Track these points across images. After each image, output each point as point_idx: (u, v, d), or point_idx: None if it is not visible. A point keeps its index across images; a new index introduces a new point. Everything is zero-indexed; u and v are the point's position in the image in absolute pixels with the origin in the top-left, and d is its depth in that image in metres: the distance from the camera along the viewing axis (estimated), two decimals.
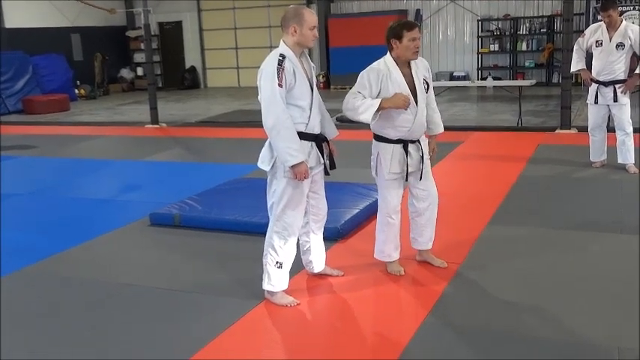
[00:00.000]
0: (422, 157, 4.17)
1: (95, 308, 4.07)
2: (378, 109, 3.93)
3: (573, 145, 8.27)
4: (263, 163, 3.87)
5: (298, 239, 4.05)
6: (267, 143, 3.82)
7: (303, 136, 3.78)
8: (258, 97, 3.75)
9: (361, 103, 3.96)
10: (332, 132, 4.06)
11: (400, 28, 4.01)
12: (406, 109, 4.00)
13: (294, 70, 3.70)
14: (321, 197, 4.10)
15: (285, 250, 3.90)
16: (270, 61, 3.69)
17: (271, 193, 3.88)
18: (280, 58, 3.68)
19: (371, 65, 4.09)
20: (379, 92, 4.00)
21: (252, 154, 3.93)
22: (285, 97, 3.67)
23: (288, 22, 3.74)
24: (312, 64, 3.95)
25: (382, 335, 3.59)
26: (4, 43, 15.83)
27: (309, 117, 3.80)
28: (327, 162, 3.99)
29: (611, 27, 6.68)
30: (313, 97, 3.83)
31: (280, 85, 3.63)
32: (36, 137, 11.43)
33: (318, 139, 3.90)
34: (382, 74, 4.00)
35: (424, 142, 4.25)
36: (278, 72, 3.63)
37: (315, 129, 3.86)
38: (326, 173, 4.03)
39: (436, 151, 4.41)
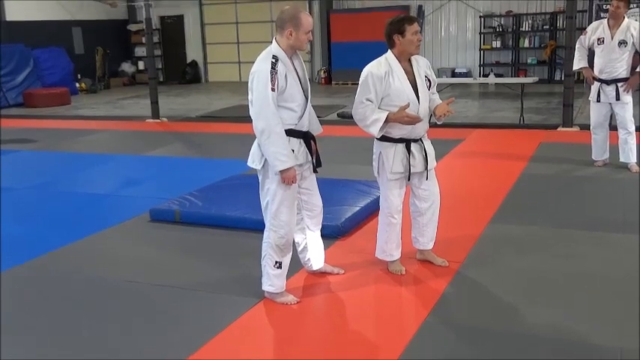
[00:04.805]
0: (425, 157, 4.15)
1: (95, 304, 4.06)
2: (385, 122, 3.94)
3: (575, 143, 8.24)
4: (254, 162, 3.85)
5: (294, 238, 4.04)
6: (256, 142, 3.80)
7: (292, 133, 3.76)
8: (249, 97, 3.73)
9: (369, 115, 3.97)
10: (316, 128, 4.03)
11: (401, 22, 3.99)
12: (414, 124, 3.98)
13: (286, 73, 3.68)
14: (313, 193, 4.08)
15: (282, 249, 3.88)
16: (263, 64, 3.66)
17: (264, 192, 3.86)
18: (273, 60, 3.65)
19: (371, 64, 4.05)
20: (384, 93, 3.99)
21: None
22: (276, 100, 3.65)
23: (285, 24, 3.71)
24: (304, 64, 3.93)
25: (382, 335, 3.57)
26: (4, 36, 15.78)
27: (300, 118, 3.79)
28: (314, 160, 3.96)
29: (614, 21, 6.63)
30: (306, 98, 3.81)
31: (273, 90, 3.62)
32: (36, 131, 11.40)
33: (307, 137, 3.89)
34: (385, 73, 3.97)
35: (427, 142, 4.22)
36: (272, 76, 3.61)
37: (304, 127, 3.85)
38: (313, 170, 4.01)
39: (449, 106, 4.13)
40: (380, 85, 3.97)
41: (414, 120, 3.95)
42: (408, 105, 3.93)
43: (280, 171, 3.68)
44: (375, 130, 4.00)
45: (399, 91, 3.99)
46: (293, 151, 3.74)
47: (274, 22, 3.86)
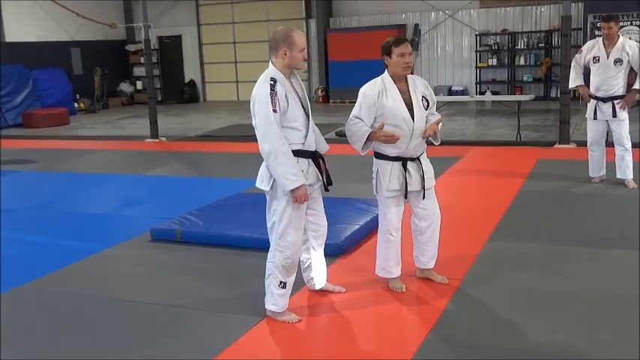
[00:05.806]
0: (422, 176, 4.19)
1: (95, 324, 4.07)
2: (368, 140, 4.03)
3: (572, 160, 8.29)
4: (262, 182, 3.87)
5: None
6: (264, 163, 3.83)
7: (300, 153, 3.79)
8: (253, 122, 3.76)
9: (355, 132, 4.07)
10: (323, 147, 4.08)
11: (389, 44, 4.09)
12: (394, 142, 4.05)
13: (285, 94, 3.72)
14: (320, 214, 4.11)
15: (288, 269, 3.89)
16: (262, 87, 3.71)
17: (271, 213, 3.88)
18: (272, 82, 3.69)
19: (367, 84, 4.15)
20: (377, 112, 4.06)
21: (252, 169, 3.95)
22: (280, 121, 3.69)
23: (278, 44, 3.75)
24: (302, 83, 3.97)
25: (384, 352, 3.58)
26: (4, 57, 15.86)
27: (305, 136, 3.83)
28: (325, 179, 3.99)
29: (609, 41, 6.72)
30: (307, 116, 3.85)
31: (275, 111, 3.65)
32: (35, 151, 11.42)
33: (315, 156, 3.92)
34: (379, 93, 4.05)
35: (425, 161, 4.26)
36: (271, 97, 3.65)
37: (311, 146, 3.88)
38: (325, 189, 4.04)
39: (439, 125, 4.22)
40: (372, 105, 4.05)
41: (390, 139, 4.01)
42: (383, 125, 4.00)
43: (291, 190, 3.71)
44: (358, 147, 4.10)
45: (393, 110, 4.05)
46: (302, 171, 3.77)
47: None
